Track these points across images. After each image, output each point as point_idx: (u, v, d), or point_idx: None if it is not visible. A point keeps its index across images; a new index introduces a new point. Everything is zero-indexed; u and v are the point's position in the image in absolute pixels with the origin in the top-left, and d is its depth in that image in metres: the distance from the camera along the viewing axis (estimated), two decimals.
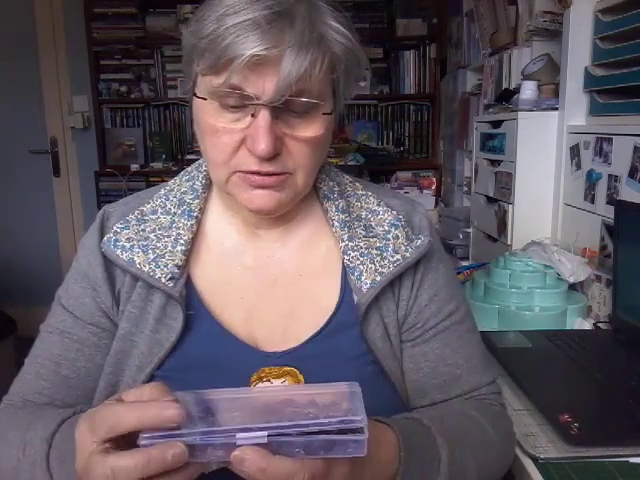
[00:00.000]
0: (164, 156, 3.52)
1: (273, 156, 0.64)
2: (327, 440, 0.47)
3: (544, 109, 1.64)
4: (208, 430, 0.47)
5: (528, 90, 1.68)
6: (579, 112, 1.56)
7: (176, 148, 3.59)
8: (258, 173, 0.65)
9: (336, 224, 0.75)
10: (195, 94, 0.67)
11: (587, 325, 1.28)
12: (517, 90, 1.77)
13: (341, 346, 0.72)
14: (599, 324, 1.27)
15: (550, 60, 1.72)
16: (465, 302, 0.80)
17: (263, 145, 0.62)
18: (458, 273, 1.68)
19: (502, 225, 1.77)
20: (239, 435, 0.46)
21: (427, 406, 0.76)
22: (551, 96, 1.66)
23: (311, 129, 0.66)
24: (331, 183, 0.78)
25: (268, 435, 0.47)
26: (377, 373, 0.73)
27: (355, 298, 0.72)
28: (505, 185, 1.75)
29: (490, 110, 2.01)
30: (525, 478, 0.77)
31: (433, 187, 3.25)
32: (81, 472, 0.50)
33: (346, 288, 0.74)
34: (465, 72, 2.77)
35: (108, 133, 3.54)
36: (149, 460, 0.46)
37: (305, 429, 0.47)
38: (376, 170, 3.39)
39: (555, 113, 1.61)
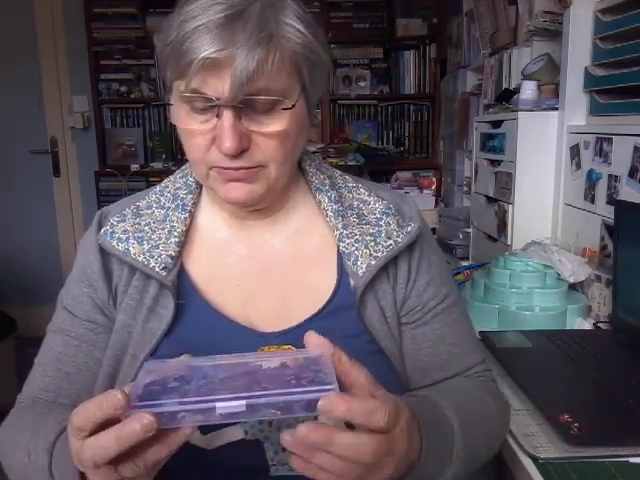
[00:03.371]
0: (164, 156, 3.52)
1: (241, 152, 0.68)
2: (299, 400, 0.51)
3: (544, 109, 1.64)
4: (187, 400, 0.50)
5: (528, 90, 1.68)
6: (579, 112, 1.56)
7: (176, 148, 3.59)
8: (230, 168, 0.69)
9: (330, 214, 0.79)
10: (167, 102, 0.72)
11: (587, 325, 1.28)
12: (517, 90, 1.77)
13: (339, 326, 0.75)
14: (599, 324, 1.27)
15: (550, 60, 1.72)
16: (455, 287, 0.86)
17: (228, 144, 0.66)
18: (458, 273, 1.68)
19: (502, 225, 1.77)
20: (219, 404, 0.50)
21: (428, 385, 0.79)
22: (551, 96, 1.66)
23: (276, 124, 0.69)
24: (322, 176, 0.82)
25: (246, 404, 0.50)
26: (375, 351, 0.76)
27: (352, 282, 0.76)
28: (505, 185, 1.75)
29: (490, 110, 2.01)
30: (525, 478, 0.77)
31: (433, 187, 3.25)
32: (78, 466, 0.54)
33: (342, 274, 0.77)
34: (465, 72, 2.77)
35: (108, 133, 3.54)
36: (120, 434, 0.49)
37: (278, 399, 0.50)
38: (376, 170, 3.39)
39: (555, 113, 1.61)
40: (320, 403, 0.50)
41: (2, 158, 3.56)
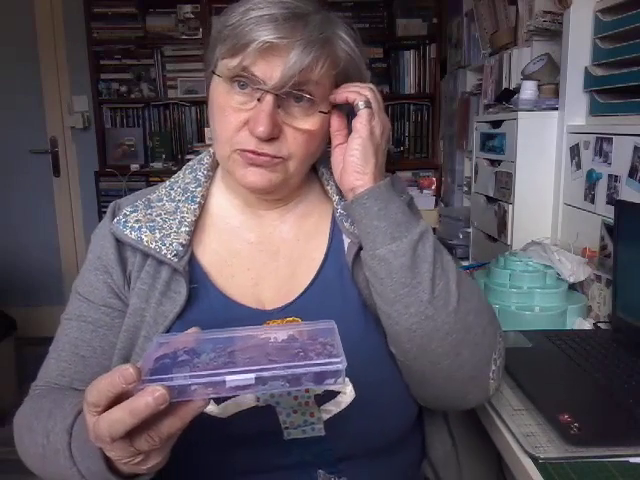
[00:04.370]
0: (164, 156, 3.52)
1: (270, 139, 0.72)
2: (306, 373, 0.52)
3: (544, 109, 1.64)
4: (197, 374, 0.52)
5: (528, 90, 1.68)
6: (579, 112, 1.56)
7: (176, 148, 3.59)
8: (254, 152, 0.73)
9: (330, 189, 0.85)
10: (213, 72, 0.75)
11: (587, 325, 1.28)
12: (517, 90, 1.77)
13: (333, 291, 0.80)
14: (599, 324, 1.27)
15: (550, 60, 1.72)
16: None
17: (262, 127, 0.70)
18: None
19: (502, 225, 1.77)
20: (228, 378, 0.51)
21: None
22: (551, 96, 1.66)
23: (308, 122, 0.74)
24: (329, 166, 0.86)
25: (255, 377, 0.51)
26: (367, 314, 0.79)
27: (346, 242, 0.82)
28: (505, 185, 1.75)
29: (490, 110, 2.01)
30: (525, 478, 0.76)
31: (433, 187, 3.25)
32: (95, 442, 0.55)
33: (334, 239, 0.83)
34: (465, 72, 2.77)
35: (108, 133, 3.54)
36: (134, 407, 0.51)
37: (286, 371, 0.52)
38: None
39: (555, 113, 1.61)
40: None
41: (2, 158, 3.56)
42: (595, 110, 1.51)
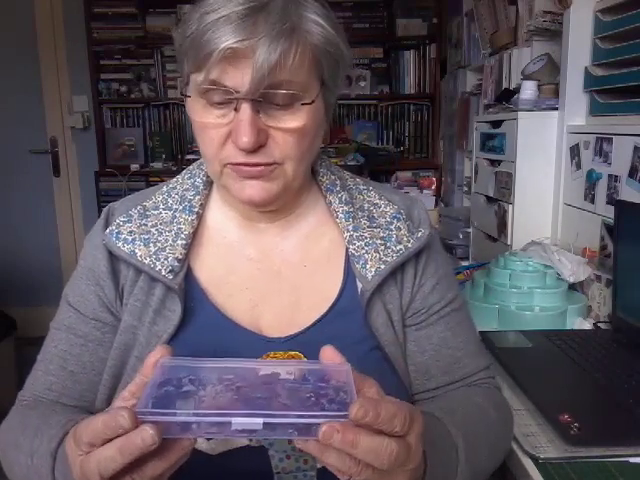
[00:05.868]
0: (164, 156, 3.52)
1: (258, 148, 0.66)
2: (316, 423, 0.48)
3: (544, 109, 1.64)
4: (203, 412, 0.48)
5: (528, 90, 1.68)
6: (579, 112, 1.56)
7: (176, 148, 3.59)
8: (246, 164, 0.68)
9: (340, 215, 0.78)
10: (184, 94, 0.70)
11: (587, 325, 1.28)
12: (517, 90, 1.77)
13: (344, 331, 0.74)
14: (599, 324, 1.27)
15: (550, 60, 1.71)
16: (460, 293, 0.84)
17: (245, 138, 0.65)
18: (458, 273, 1.68)
19: (502, 225, 1.77)
20: (235, 420, 0.47)
21: (432, 390, 0.78)
22: (551, 96, 1.66)
23: (294, 120, 0.67)
24: (333, 177, 0.81)
25: (263, 423, 0.47)
26: (379, 358, 0.74)
27: (359, 286, 0.75)
28: (505, 185, 1.75)
29: (490, 110, 2.01)
30: (525, 478, 0.77)
31: (433, 187, 3.25)
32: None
33: (349, 276, 0.76)
34: (465, 72, 2.77)
35: (108, 133, 3.54)
36: (123, 447, 0.48)
37: (297, 420, 0.48)
38: (376, 170, 3.39)
39: (555, 113, 1.61)
40: (322, 431, 0.47)
41: (2, 158, 3.56)
42: (595, 110, 1.51)
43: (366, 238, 0.76)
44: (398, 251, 0.75)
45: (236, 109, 0.65)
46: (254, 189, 0.69)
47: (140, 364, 0.69)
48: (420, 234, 0.77)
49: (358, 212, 0.78)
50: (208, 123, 0.68)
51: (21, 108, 3.52)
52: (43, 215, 3.65)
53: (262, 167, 0.68)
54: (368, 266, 0.74)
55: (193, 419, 0.48)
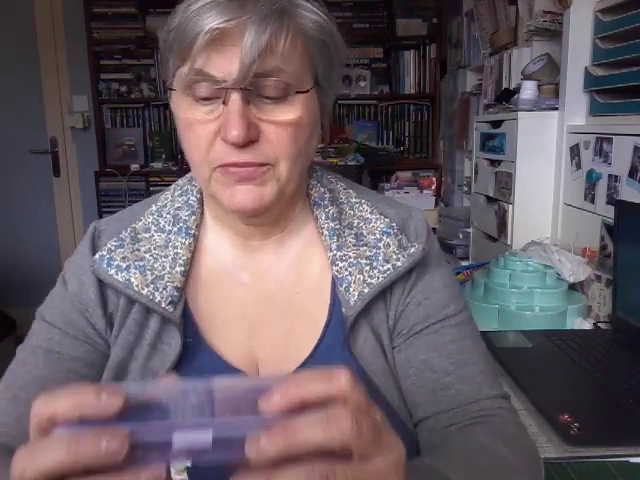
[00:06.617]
0: (164, 156, 3.52)
1: (249, 143, 0.60)
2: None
3: (544, 109, 1.64)
4: (141, 424, 0.34)
5: (528, 90, 1.68)
6: (579, 112, 1.56)
7: (176, 148, 3.58)
8: (236, 164, 0.61)
9: (325, 232, 0.71)
10: (170, 88, 0.64)
11: (587, 325, 1.28)
12: (517, 90, 1.77)
13: (332, 362, 0.64)
14: (599, 324, 1.27)
15: (550, 60, 1.72)
16: (466, 310, 0.73)
17: (235, 132, 0.58)
18: (458, 273, 1.68)
19: (502, 225, 1.77)
20: (176, 435, 0.34)
21: (423, 420, 0.68)
22: (551, 96, 1.66)
23: (289, 112, 0.61)
24: (322, 189, 0.74)
25: (214, 437, 0.34)
26: (370, 392, 0.59)
27: (344, 311, 0.68)
28: (505, 185, 1.75)
29: (490, 110, 2.01)
30: None
31: (433, 187, 3.26)
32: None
33: (336, 301, 0.69)
34: (465, 72, 2.77)
35: (108, 133, 3.54)
36: (78, 444, 0.33)
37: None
38: (376, 170, 3.39)
39: (555, 113, 1.61)
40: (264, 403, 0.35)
41: (2, 158, 3.56)
42: (595, 110, 1.51)
43: (350, 258, 0.68)
44: (385, 271, 0.67)
45: (224, 102, 0.59)
46: (245, 195, 0.62)
47: None
48: (413, 250, 0.69)
49: (345, 229, 0.71)
50: (195, 120, 0.61)
51: (21, 108, 3.52)
52: (43, 215, 3.65)
53: (254, 168, 0.61)
54: (351, 289, 0.67)
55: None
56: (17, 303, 3.36)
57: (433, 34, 3.43)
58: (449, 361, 0.68)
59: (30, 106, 3.52)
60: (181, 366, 0.65)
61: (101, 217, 0.78)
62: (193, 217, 0.71)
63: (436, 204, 3.13)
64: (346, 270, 0.68)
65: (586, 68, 1.51)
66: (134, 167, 3.41)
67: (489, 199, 1.91)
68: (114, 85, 3.50)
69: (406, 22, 3.42)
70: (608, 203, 1.36)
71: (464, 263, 2.02)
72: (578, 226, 1.50)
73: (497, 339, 1.15)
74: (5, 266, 3.50)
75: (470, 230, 2.14)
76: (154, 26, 3.41)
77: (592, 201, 1.43)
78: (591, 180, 1.43)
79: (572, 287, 1.37)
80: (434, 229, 2.56)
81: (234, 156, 0.60)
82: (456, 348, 0.69)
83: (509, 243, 1.71)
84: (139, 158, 3.52)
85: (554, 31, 1.72)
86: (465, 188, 2.73)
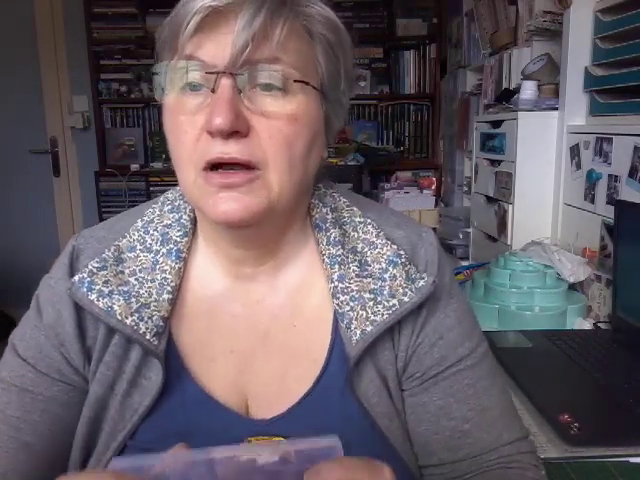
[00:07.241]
0: (164, 156, 3.52)
1: (237, 137, 0.54)
2: None
3: (544, 109, 1.64)
4: None
5: (528, 90, 1.68)
6: (579, 112, 1.56)
7: None
8: (221, 160, 0.54)
9: (327, 260, 0.64)
10: (161, 87, 0.59)
11: (587, 325, 1.28)
12: (517, 90, 1.77)
13: (331, 406, 0.62)
14: (599, 324, 1.27)
15: (550, 60, 1.72)
16: (483, 344, 0.67)
17: (220, 118, 0.52)
18: (458, 273, 1.68)
19: (502, 225, 1.77)
20: None
21: (437, 466, 0.65)
22: (551, 96, 1.66)
23: (287, 104, 0.55)
24: (324, 210, 0.67)
25: None
26: (373, 435, 0.62)
27: (346, 349, 0.62)
28: (505, 185, 1.75)
29: (490, 110, 2.01)
30: None
31: (433, 187, 3.25)
32: None
33: (337, 336, 0.63)
34: (465, 72, 2.77)
35: (108, 133, 3.54)
36: None
37: None
38: (376, 170, 3.39)
39: (555, 113, 1.61)
40: None
41: (2, 158, 3.56)
42: (595, 110, 1.51)
43: (352, 291, 0.62)
44: (390, 307, 0.60)
45: (213, 90, 0.53)
46: (228, 203, 0.55)
47: (111, 441, 0.60)
48: (422, 283, 0.61)
49: (349, 255, 0.64)
50: (182, 115, 0.56)
51: (21, 108, 3.52)
52: (43, 215, 3.65)
53: (239, 175, 0.54)
54: (353, 327, 0.60)
55: None
56: (17, 303, 3.35)
57: (433, 34, 3.43)
58: (467, 407, 0.64)
59: (30, 106, 3.52)
60: (162, 401, 0.61)
61: (101, 217, 0.76)
62: (185, 239, 0.65)
63: (436, 204, 3.12)
64: (347, 305, 0.62)
65: (586, 68, 1.51)
66: (134, 167, 3.41)
67: (489, 199, 1.91)
68: (114, 85, 3.50)
69: (406, 22, 3.42)
70: (608, 203, 1.36)
71: (464, 263, 2.02)
72: (578, 226, 1.50)
73: (497, 339, 1.15)
74: (5, 266, 3.50)
75: (470, 230, 2.14)
76: (154, 26, 3.41)
77: (592, 201, 1.43)
78: (591, 180, 1.43)
79: (572, 287, 1.37)
80: (434, 229, 2.56)
81: (218, 148, 0.54)
82: (474, 392, 0.65)
83: (509, 243, 1.71)
84: (139, 158, 3.52)
85: (554, 31, 1.72)
86: (465, 188, 2.73)
